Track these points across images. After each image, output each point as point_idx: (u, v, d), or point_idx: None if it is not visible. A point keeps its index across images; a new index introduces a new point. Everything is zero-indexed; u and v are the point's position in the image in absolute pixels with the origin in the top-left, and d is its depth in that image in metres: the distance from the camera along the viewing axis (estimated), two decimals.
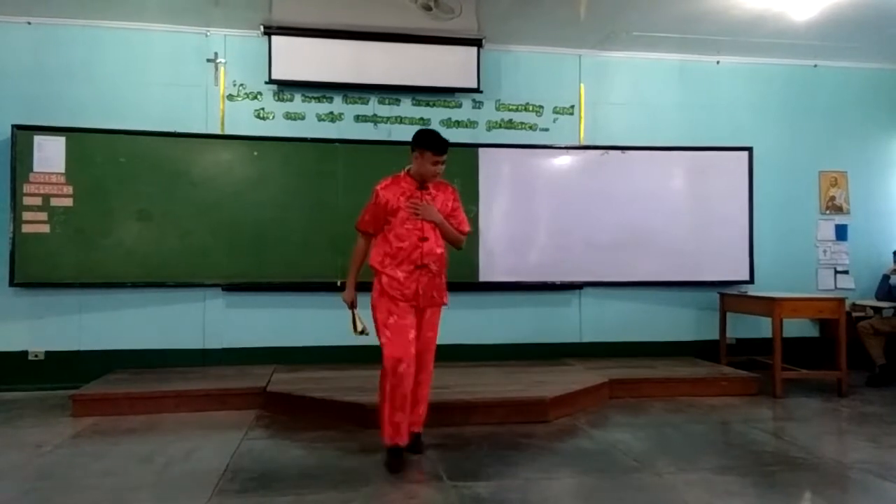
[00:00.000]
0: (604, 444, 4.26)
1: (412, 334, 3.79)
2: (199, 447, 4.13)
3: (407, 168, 3.92)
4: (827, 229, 6.94)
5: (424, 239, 3.84)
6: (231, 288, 5.97)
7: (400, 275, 3.80)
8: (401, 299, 3.80)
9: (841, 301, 5.77)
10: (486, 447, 4.13)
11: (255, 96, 6.15)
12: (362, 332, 3.99)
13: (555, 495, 3.45)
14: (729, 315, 6.45)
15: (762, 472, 3.76)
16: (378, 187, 3.89)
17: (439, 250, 3.90)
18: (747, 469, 3.80)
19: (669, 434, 4.50)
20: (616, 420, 4.85)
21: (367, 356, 5.98)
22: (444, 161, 3.86)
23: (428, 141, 3.84)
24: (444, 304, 3.96)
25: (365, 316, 3.97)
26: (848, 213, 6.97)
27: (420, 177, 3.87)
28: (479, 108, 6.46)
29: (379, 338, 3.82)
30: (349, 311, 4.02)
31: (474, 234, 6.00)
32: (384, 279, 3.82)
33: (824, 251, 6.92)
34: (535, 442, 4.28)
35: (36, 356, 5.74)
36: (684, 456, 4.01)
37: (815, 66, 6.94)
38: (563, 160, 6.48)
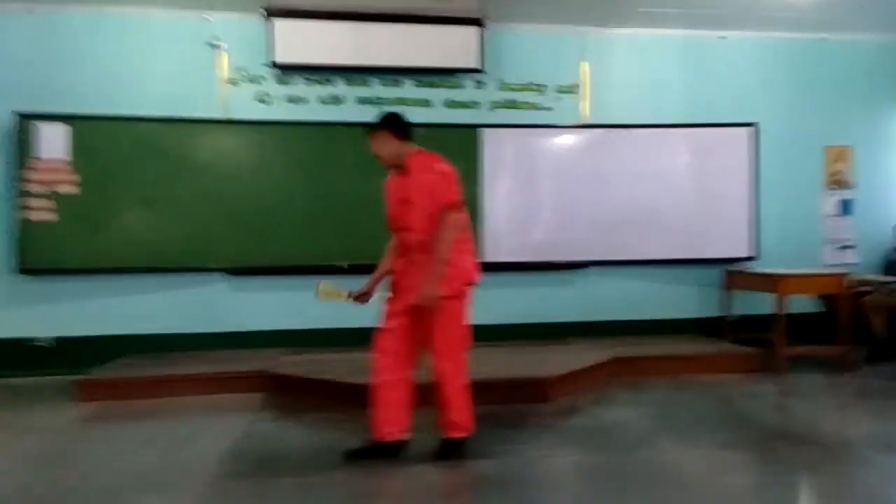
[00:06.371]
0: (607, 422, 4.30)
1: None
2: (205, 430, 4.19)
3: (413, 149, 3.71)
4: (832, 204, 6.90)
5: None
6: (237, 272, 6.00)
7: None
8: None
9: (843, 276, 5.74)
10: (489, 426, 4.15)
11: (257, 80, 6.13)
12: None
13: (558, 473, 3.49)
14: (733, 292, 6.45)
15: (765, 447, 3.79)
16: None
17: None
18: (750, 445, 3.84)
19: (672, 411, 4.53)
20: (619, 398, 4.88)
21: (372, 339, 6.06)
22: None
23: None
24: None
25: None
26: (853, 187, 6.93)
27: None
28: (481, 88, 6.42)
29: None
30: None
31: (478, 215, 6.01)
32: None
33: (829, 226, 6.89)
34: (538, 421, 4.32)
35: (45, 343, 5.81)
36: (687, 432, 4.04)
37: (823, 38, 6.83)
38: (567, 139, 6.45)
